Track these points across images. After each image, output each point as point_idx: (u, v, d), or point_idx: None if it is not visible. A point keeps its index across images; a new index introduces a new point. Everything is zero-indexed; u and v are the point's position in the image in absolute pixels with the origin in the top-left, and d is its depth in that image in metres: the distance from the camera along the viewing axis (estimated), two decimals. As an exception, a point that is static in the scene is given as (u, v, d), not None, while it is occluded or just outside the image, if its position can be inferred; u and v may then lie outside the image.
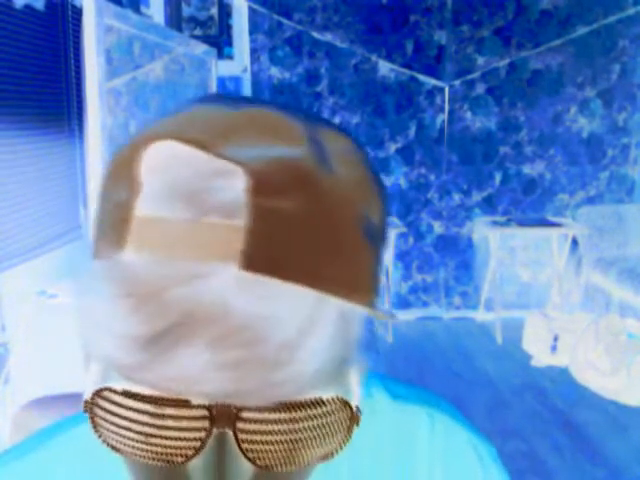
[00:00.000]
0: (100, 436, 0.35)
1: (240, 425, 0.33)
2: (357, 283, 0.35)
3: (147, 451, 0.34)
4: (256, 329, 0.31)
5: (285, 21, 4.23)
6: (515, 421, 3.07)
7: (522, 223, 4.23)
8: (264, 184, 0.31)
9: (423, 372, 3.61)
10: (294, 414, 0.34)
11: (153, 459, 0.34)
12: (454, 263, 4.59)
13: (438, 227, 4.54)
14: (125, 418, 0.34)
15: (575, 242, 4.33)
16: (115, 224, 0.34)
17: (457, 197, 4.49)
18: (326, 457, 0.36)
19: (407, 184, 4.47)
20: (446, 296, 4.63)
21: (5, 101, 2.23)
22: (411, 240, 4.54)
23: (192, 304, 0.30)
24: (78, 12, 2.50)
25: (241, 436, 0.33)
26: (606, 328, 3.48)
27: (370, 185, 0.38)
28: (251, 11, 4.22)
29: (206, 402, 0.33)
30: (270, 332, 0.31)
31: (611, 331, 3.45)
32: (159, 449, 0.34)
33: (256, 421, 0.33)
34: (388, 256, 4.28)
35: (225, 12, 4.25)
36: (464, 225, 4.53)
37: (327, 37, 4.26)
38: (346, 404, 0.35)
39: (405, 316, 4.55)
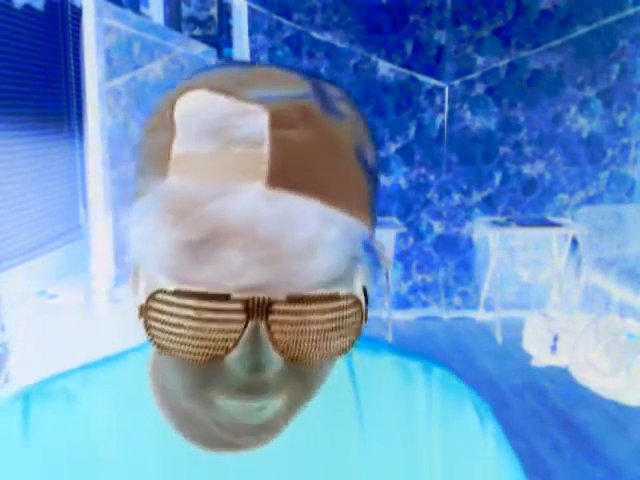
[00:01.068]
0: (152, 338, 0.41)
1: (271, 317, 0.39)
2: (354, 202, 0.42)
3: (193, 346, 0.40)
4: (280, 230, 0.37)
5: (285, 21, 4.23)
6: (515, 421, 3.07)
7: (522, 223, 4.23)
8: (280, 119, 0.39)
9: (423, 372, 3.60)
10: (316, 306, 0.40)
11: (198, 354, 0.40)
12: (454, 263, 4.59)
13: (438, 227, 4.54)
14: (176, 315, 0.39)
15: (575, 242, 4.33)
16: (157, 160, 0.41)
17: (457, 197, 4.49)
18: (342, 351, 0.42)
19: (407, 184, 4.47)
20: (446, 296, 4.63)
21: (5, 101, 2.23)
22: (411, 240, 4.54)
23: (226, 215, 0.37)
24: (78, 12, 2.50)
25: (273, 328, 0.39)
26: (606, 328, 3.48)
27: (364, 127, 0.45)
28: (251, 11, 4.21)
29: (244, 295, 0.38)
30: (292, 231, 0.37)
31: (611, 331, 3.45)
32: (204, 343, 0.40)
33: (285, 312, 0.39)
34: (388, 256, 4.27)
35: (225, 12, 4.25)
36: (464, 225, 4.53)
37: (327, 37, 4.26)
38: (357, 301, 0.41)
39: (405, 316, 4.55)
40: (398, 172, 4.45)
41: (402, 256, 4.55)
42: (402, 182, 4.46)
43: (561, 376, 3.55)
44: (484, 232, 4.42)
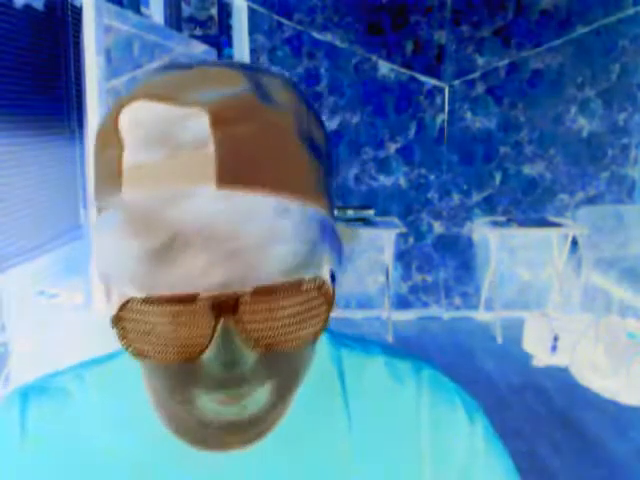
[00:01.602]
0: (128, 346, 0.41)
1: (240, 311, 0.40)
2: (305, 186, 0.42)
3: (167, 349, 0.41)
4: (237, 226, 0.38)
5: (285, 21, 4.23)
6: (515, 421, 3.07)
7: (522, 223, 4.23)
8: (220, 117, 0.40)
9: (423, 372, 3.60)
10: (282, 294, 0.41)
11: (173, 355, 0.41)
12: (454, 263, 4.59)
13: (438, 227, 4.53)
14: (146, 323, 0.40)
15: (575, 242, 4.32)
16: (110, 175, 0.42)
17: (457, 197, 4.49)
18: (314, 334, 0.43)
19: (407, 184, 4.47)
20: (446, 296, 4.63)
21: (5, 101, 2.23)
22: (411, 240, 4.54)
23: (182, 220, 0.38)
24: (78, 12, 2.50)
25: (242, 321, 0.40)
26: (606, 328, 3.48)
27: (305, 111, 0.45)
28: (251, 11, 4.21)
29: (210, 294, 0.39)
30: (248, 226, 0.38)
31: (611, 331, 3.45)
32: (177, 345, 0.40)
33: (252, 305, 0.40)
34: (388, 256, 4.28)
35: (225, 12, 4.25)
36: (464, 225, 4.53)
37: (327, 37, 4.26)
38: (323, 284, 0.42)
39: (405, 316, 4.55)
40: (398, 172, 4.45)
41: (402, 256, 4.55)
42: (402, 182, 4.46)
43: (561, 376, 3.55)
44: (484, 232, 4.41)
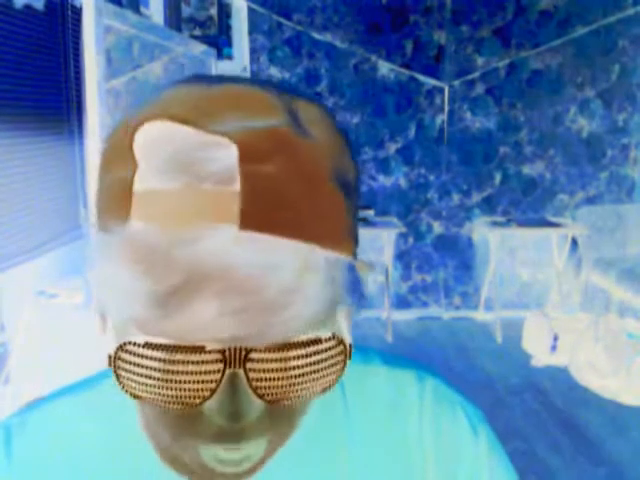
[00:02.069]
0: (123, 387, 0.39)
1: (250, 365, 0.37)
2: (336, 234, 0.39)
3: (167, 396, 0.38)
4: (257, 277, 0.35)
5: (285, 21, 4.23)
6: (515, 421, 3.07)
7: (522, 223, 4.23)
8: (250, 152, 0.36)
9: (423, 372, 3.59)
10: (296, 352, 0.38)
11: (173, 403, 0.38)
12: (454, 263, 4.59)
13: (438, 227, 4.54)
14: (147, 367, 0.37)
15: (575, 242, 4.33)
16: (118, 200, 0.37)
17: (457, 197, 4.49)
18: (325, 389, 0.40)
19: (407, 184, 4.47)
20: (446, 296, 4.63)
21: (4, 101, 2.23)
22: (411, 240, 4.54)
23: (198, 263, 0.34)
24: (78, 12, 2.50)
25: (251, 375, 0.37)
26: (606, 328, 3.48)
27: (341, 145, 0.42)
28: (250, 11, 4.21)
29: (219, 346, 0.36)
30: (269, 279, 0.35)
31: (611, 331, 3.45)
32: (178, 393, 0.38)
33: (263, 360, 0.37)
34: (388, 256, 4.28)
35: (224, 12, 4.25)
36: (464, 225, 4.53)
37: (327, 37, 4.26)
38: (340, 341, 0.39)
39: (405, 316, 4.55)
40: (398, 172, 4.45)
41: (402, 256, 4.55)
42: (402, 182, 4.46)
43: (561, 376, 3.55)
44: (484, 232, 4.42)
